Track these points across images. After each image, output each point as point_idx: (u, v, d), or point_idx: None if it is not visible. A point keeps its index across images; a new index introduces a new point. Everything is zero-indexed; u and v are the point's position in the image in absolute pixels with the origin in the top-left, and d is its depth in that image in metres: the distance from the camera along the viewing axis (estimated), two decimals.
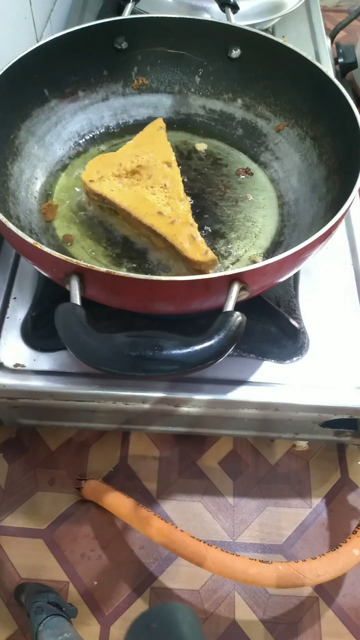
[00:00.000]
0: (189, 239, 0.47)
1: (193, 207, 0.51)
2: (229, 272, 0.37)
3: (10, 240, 0.42)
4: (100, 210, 0.53)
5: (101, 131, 0.60)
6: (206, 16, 0.74)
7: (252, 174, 0.58)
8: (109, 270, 0.36)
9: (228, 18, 0.60)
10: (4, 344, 0.54)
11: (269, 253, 0.52)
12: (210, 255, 0.46)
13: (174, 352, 0.35)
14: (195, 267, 0.47)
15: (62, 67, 0.54)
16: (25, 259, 0.45)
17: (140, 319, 0.52)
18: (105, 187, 0.50)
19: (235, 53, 0.57)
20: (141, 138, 0.54)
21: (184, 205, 0.49)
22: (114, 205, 0.50)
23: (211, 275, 0.37)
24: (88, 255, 0.51)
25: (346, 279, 0.60)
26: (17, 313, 0.56)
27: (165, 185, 0.50)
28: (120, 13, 0.60)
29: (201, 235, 0.48)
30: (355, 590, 0.76)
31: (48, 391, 0.53)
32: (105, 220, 0.53)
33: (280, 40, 0.54)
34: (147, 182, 0.50)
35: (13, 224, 0.39)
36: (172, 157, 0.52)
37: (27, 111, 0.54)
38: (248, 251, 0.52)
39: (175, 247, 0.47)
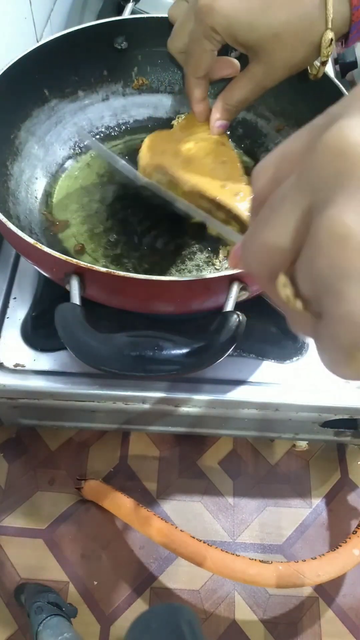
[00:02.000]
0: None
1: None
2: (229, 272, 0.37)
3: (10, 240, 0.42)
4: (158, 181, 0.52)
5: (101, 131, 0.60)
6: None
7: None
8: (109, 270, 0.36)
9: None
10: (4, 344, 0.54)
11: None
12: None
13: (174, 352, 0.35)
14: None
15: (62, 67, 0.54)
16: (25, 259, 0.45)
17: (140, 319, 0.52)
18: (167, 160, 0.49)
19: (235, 53, 0.57)
20: (189, 120, 0.54)
21: (244, 180, 0.49)
22: (175, 180, 0.49)
23: (211, 275, 0.37)
24: (88, 255, 0.51)
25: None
26: (17, 313, 0.56)
27: (224, 161, 0.50)
28: (120, 13, 0.60)
29: (200, 237, 0.48)
30: (355, 590, 0.76)
31: (48, 391, 0.53)
32: (109, 218, 0.53)
33: None
34: (206, 158, 0.50)
35: (13, 224, 0.39)
36: (226, 138, 0.52)
37: (27, 111, 0.53)
38: None
39: (241, 219, 0.47)
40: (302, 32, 0.36)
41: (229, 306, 0.37)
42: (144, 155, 0.50)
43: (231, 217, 0.47)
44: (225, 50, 0.57)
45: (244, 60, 0.57)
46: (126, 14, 0.59)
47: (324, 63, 0.40)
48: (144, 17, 0.56)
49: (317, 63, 0.47)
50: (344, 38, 0.38)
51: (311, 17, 0.35)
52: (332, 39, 0.36)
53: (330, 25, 0.35)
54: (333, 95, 0.49)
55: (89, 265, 0.36)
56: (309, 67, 0.47)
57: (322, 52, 0.37)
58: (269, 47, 0.37)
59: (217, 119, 0.47)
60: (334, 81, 0.48)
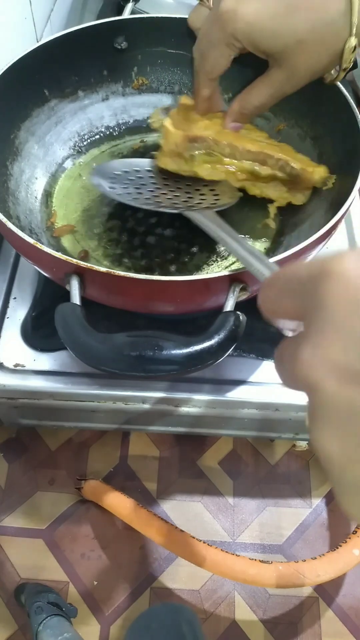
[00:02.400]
0: (294, 154, 0.48)
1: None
2: (229, 272, 0.37)
3: (10, 240, 0.42)
4: (186, 163, 0.50)
5: (101, 131, 0.60)
6: None
7: None
8: (109, 270, 0.36)
9: None
10: (4, 344, 0.54)
11: (269, 253, 0.52)
12: (322, 166, 0.48)
13: (174, 352, 0.35)
14: (307, 183, 0.49)
15: (62, 67, 0.54)
16: (25, 259, 0.45)
17: (140, 319, 0.52)
18: (201, 131, 0.48)
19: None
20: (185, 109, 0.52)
21: (270, 139, 0.50)
22: (215, 145, 0.48)
23: (211, 275, 0.37)
24: (89, 256, 0.51)
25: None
26: (17, 313, 0.56)
27: (247, 128, 0.50)
28: (120, 13, 0.60)
29: (200, 236, 0.48)
30: (355, 590, 0.76)
31: (48, 391, 0.53)
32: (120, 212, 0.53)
33: None
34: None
35: (13, 224, 0.39)
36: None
37: (27, 111, 0.53)
38: None
39: (289, 163, 0.47)
40: (327, 40, 0.36)
41: (229, 306, 0.37)
42: (174, 132, 0.48)
43: (277, 168, 0.48)
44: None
45: (243, 60, 0.57)
46: (126, 14, 0.59)
47: (345, 69, 0.39)
48: (144, 17, 0.56)
49: (333, 72, 0.47)
50: None
51: (337, 24, 0.35)
52: (355, 46, 0.36)
53: (354, 32, 0.35)
54: (333, 95, 0.49)
55: (89, 265, 0.36)
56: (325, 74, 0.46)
57: (345, 58, 0.37)
58: (292, 54, 0.37)
59: (232, 121, 0.46)
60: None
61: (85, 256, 0.51)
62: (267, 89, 0.41)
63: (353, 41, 0.35)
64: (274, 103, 0.43)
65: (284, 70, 0.39)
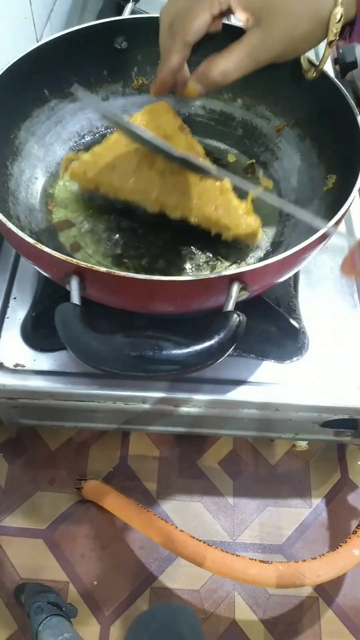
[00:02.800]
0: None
1: None
2: (229, 272, 0.37)
3: (10, 240, 0.42)
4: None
5: (101, 131, 0.60)
6: None
7: (252, 173, 0.59)
8: (109, 270, 0.36)
9: (227, 18, 0.60)
10: (4, 344, 0.54)
11: (269, 253, 0.52)
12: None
13: (174, 352, 0.35)
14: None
15: (62, 67, 0.54)
16: (25, 259, 0.45)
17: (140, 319, 0.52)
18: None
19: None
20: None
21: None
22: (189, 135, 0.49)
23: (211, 275, 0.37)
24: (88, 255, 0.51)
25: (346, 279, 0.60)
26: (17, 313, 0.56)
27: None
28: (120, 13, 0.59)
29: (200, 236, 0.48)
30: (355, 590, 0.76)
31: (48, 391, 0.53)
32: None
33: None
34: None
35: (13, 224, 0.39)
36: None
37: (27, 111, 0.53)
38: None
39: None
40: (308, 2, 0.36)
41: (229, 306, 0.37)
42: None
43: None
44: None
45: None
46: (126, 14, 0.59)
47: (330, 43, 0.38)
48: (144, 17, 0.56)
49: (313, 60, 0.46)
50: (349, 30, 0.38)
51: None
52: (341, 15, 0.35)
53: (339, 2, 0.35)
54: (333, 95, 0.49)
55: (89, 265, 0.36)
56: (303, 65, 0.45)
57: (331, 28, 0.36)
58: (272, 10, 0.36)
59: (195, 80, 0.41)
60: (334, 81, 0.48)
61: (76, 246, 0.51)
62: (239, 51, 0.38)
63: (339, 10, 0.35)
64: (244, 71, 0.39)
65: (261, 30, 0.37)
